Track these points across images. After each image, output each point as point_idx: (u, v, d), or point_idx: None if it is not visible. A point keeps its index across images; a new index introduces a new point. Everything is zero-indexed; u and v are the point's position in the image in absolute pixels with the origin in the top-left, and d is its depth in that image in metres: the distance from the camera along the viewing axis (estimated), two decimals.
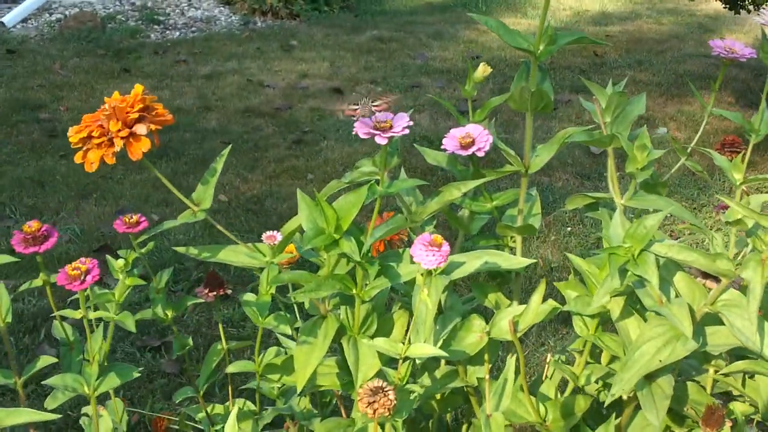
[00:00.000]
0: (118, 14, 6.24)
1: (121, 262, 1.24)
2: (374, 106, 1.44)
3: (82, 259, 1.18)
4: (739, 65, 5.39)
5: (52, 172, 3.62)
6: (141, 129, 1.08)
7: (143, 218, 1.28)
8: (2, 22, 5.91)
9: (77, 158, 1.10)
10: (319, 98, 4.72)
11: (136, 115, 1.09)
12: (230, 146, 1.29)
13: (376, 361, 1.06)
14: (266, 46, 5.71)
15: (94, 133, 1.08)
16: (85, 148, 1.10)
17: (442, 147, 1.15)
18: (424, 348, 1.01)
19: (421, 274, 1.01)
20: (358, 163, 1.13)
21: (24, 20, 6.02)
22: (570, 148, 4.01)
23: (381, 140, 1.01)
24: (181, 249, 1.21)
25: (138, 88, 1.11)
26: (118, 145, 1.07)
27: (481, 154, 1.14)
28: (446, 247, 0.97)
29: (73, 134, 1.10)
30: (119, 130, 1.07)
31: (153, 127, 1.10)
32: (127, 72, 5.06)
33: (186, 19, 6.24)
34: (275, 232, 1.17)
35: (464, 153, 1.14)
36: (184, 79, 4.98)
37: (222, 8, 6.55)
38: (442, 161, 1.27)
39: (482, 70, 1.30)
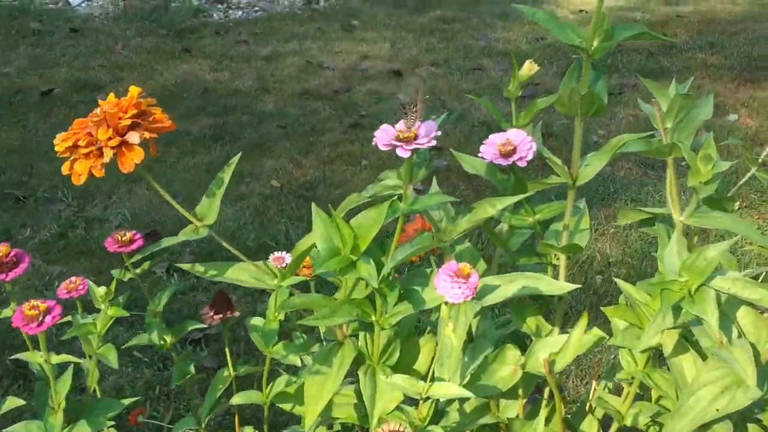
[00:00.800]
0: None
1: (102, 290, 1.14)
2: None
3: (44, 301, 1.10)
4: None
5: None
6: (133, 137, 1.00)
7: (138, 235, 1.18)
8: (68, 1, 5.94)
9: (64, 169, 1.01)
10: (378, 81, 4.64)
11: (129, 122, 1.00)
12: (239, 155, 1.20)
13: (395, 395, 0.98)
14: (327, 26, 5.64)
15: (80, 142, 0.99)
16: (72, 158, 1.01)
17: (479, 154, 1.06)
18: (447, 387, 0.92)
19: (446, 304, 0.92)
20: (381, 175, 1.05)
21: None
22: (633, 133, 3.87)
23: (403, 153, 0.91)
24: (186, 266, 1.14)
25: (133, 90, 1.02)
26: (108, 155, 0.98)
27: (522, 164, 1.03)
28: (475, 278, 0.87)
29: (59, 142, 1.01)
30: (109, 139, 0.98)
31: (148, 135, 1.01)
32: (188, 52, 5.04)
33: None
34: (284, 253, 1.09)
35: (504, 163, 1.04)
36: (243, 60, 4.94)
37: None
38: (480, 169, 1.17)
39: (528, 68, 1.20)
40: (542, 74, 4.72)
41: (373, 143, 0.94)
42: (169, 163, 3.54)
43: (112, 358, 1.15)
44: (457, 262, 0.88)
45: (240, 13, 5.96)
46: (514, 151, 1.04)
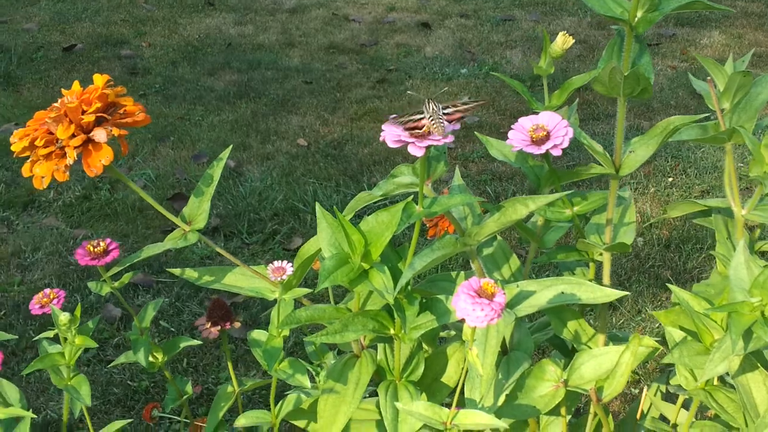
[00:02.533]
0: None
1: (65, 317, 1.03)
2: (445, 113, 0.87)
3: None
4: None
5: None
6: (100, 135, 0.87)
7: (113, 245, 1.07)
8: None
9: (24, 171, 0.89)
10: (406, 33, 4.51)
11: (93, 117, 0.88)
12: (230, 147, 1.09)
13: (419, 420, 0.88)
14: None
15: (38, 142, 0.87)
16: (31, 160, 0.89)
17: (508, 141, 0.94)
18: (476, 416, 0.81)
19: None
20: (394, 171, 0.93)
21: None
22: (673, 87, 3.74)
23: (416, 151, 0.80)
24: (176, 271, 1.05)
25: (98, 80, 0.90)
26: (71, 156, 0.87)
27: (557, 152, 0.91)
28: (501, 298, 0.76)
29: (16, 140, 0.89)
30: (72, 137, 0.86)
31: (117, 132, 0.89)
32: (211, 5, 4.93)
33: None
34: (284, 262, 0.98)
35: (536, 151, 0.91)
36: (268, 12, 4.83)
37: None
38: (509, 156, 1.06)
39: (562, 42, 1.08)
40: (576, 24, 4.58)
41: (381, 139, 0.82)
42: (193, 121, 3.46)
43: (85, 393, 1.03)
44: (485, 266, 0.78)
45: None
46: (547, 137, 0.91)
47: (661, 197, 2.87)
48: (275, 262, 0.98)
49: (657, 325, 2.27)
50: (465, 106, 0.85)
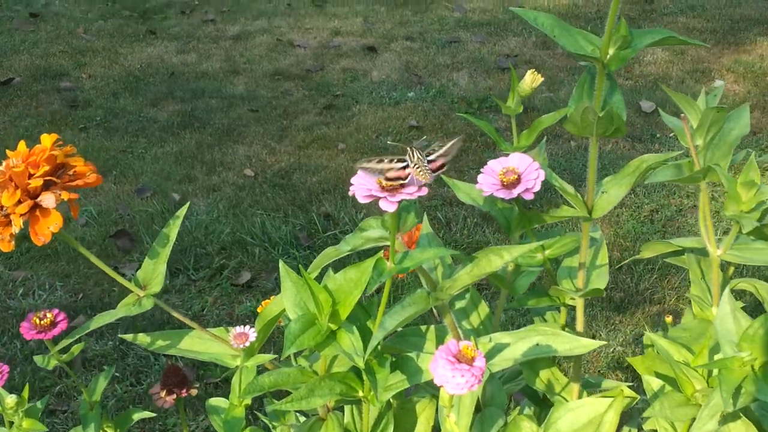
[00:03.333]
0: None
1: (12, 400, 0.96)
2: (428, 161, 0.80)
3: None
4: None
5: (71, 146, 3.44)
6: (48, 200, 0.82)
7: (60, 315, 0.99)
8: None
9: None
10: (352, 57, 4.47)
11: (40, 182, 0.81)
12: (188, 204, 1.03)
13: None
14: (297, 2, 5.46)
15: None
16: None
17: (477, 186, 0.89)
18: None
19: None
20: (362, 224, 0.87)
21: None
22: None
23: (388, 206, 0.74)
24: (128, 337, 0.98)
25: (46, 140, 0.83)
26: (17, 224, 0.81)
27: (529, 196, 0.86)
28: (481, 362, 0.71)
29: None
30: (17, 203, 0.80)
31: (67, 195, 0.82)
32: (153, 34, 4.85)
33: None
34: (247, 327, 0.93)
35: (507, 196, 0.86)
36: (211, 40, 4.76)
37: None
38: (477, 199, 1.01)
39: (531, 80, 1.04)
40: (521, 45, 4.58)
41: (350, 194, 0.76)
42: (136, 154, 3.37)
43: None
44: (458, 319, 0.72)
45: None
46: (518, 180, 0.87)
47: (611, 218, 2.85)
48: (237, 328, 0.92)
49: (611, 350, 2.24)
50: (445, 149, 0.80)
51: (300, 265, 0.85)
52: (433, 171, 0.78)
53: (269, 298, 1.06)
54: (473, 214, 2.86)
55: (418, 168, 0.76)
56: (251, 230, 2.78)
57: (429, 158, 0.79)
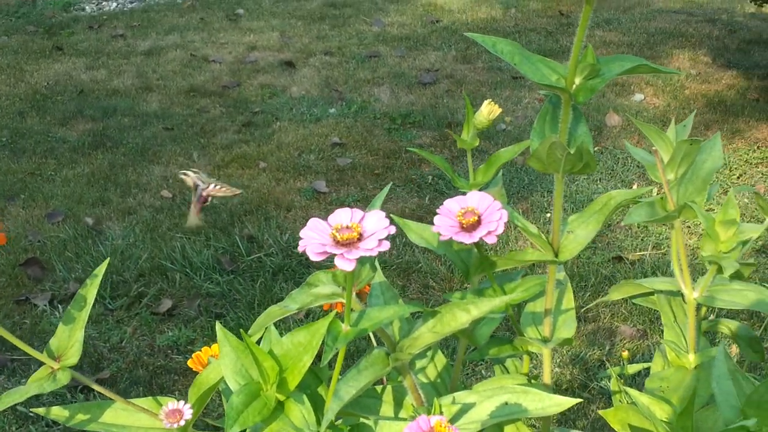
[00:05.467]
0: None
1: None
2: (215, 188, 1.13)
3: None
4: (711, 21, 5.12)
5: None
6: None
7: None
8: None
9: None
10: (270, 73, 4.36)
11: None
12: (107, 261, 0.91)
13: None
14: (210, 16, 5.32)
15: None
16: None
17: (434, 228, 0.79)
18: None
19: None
20: (311, 278, 0.77)
21: None
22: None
23: (345, 264, 0.65)
24: (40, 411, 0.87)
25: None
26: None
27: (492, 240, 0.77)
28: None
29: None
30: None
31: None
32: (60, 50, 4.65)
33: None
34: (180, 402, 0.81)
35: (468, 240, 0.77)
36: (121, 56, 4.59)
37: None
38: (432, 240, 0.92)
39: (488, 112, 0.96)
40: (441, 59, 4.54)
41: (299, 249, 0.66)
42: (45, 176, 3.20)
43: None
44: (418, 379, 0.63)
45: (114, 5, 5.57)
46: (478, 222, 0.78)
47: None
48: (169, 404, 0.80)
49: (556, 380, 2.18)
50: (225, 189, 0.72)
51: (241, 329, 0.75)
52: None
53: (200, 350, 0.97)
54: (401, 233, 2.78)
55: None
56: (171, 255, 2.64)
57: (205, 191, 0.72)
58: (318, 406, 0.72)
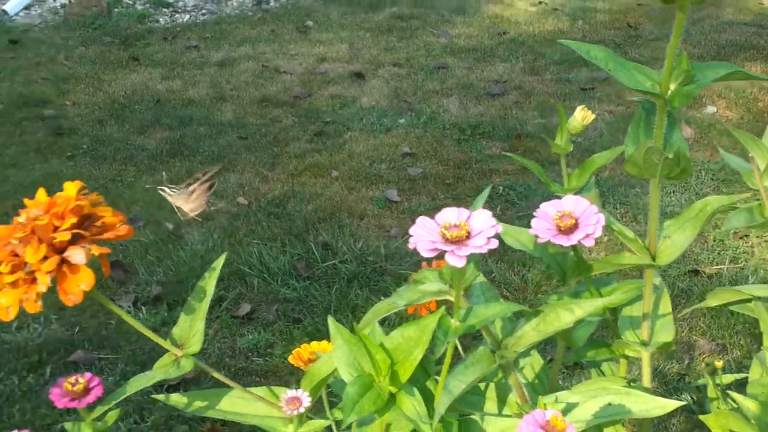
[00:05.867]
0: None
1: None
2: (192, 185, 1.25)
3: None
4: None
5: (58, 175, 3.36)
6: (77, 256, 0.73)
7: (95, 380, 0.90)
8: (4, 10, 5.64)
9: None
10: (340, 84, 4.43)
11: (68, 235, 0.73)
12: (224, 255, 0.96)
13: None
14: (281, 28, 5.42)
15: (3, 268, 0.72)
16: None
17: (531, 231, 0.82)
18: None
19: None
20: (417, 276, 0.80)
21: (27, 7, 5.75)
22: (612, 132, 3.72)
23: (456, 261, 0.67)
24: (160, 397, 0.91)
25: (70, 189, 0.75)
26: (44, 283, 0.71)
27: (590, 243, 0.79)
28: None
29: None
30: (43, 260, 0.71)
31: (97, 251, 0.74)
32: (136, 61, 4.78)
33: (196, 1, 5.94)
34: (298, 390, 0.85)
35: (565, 243, 0.79)
36: (196, 66, 4.70)
37: None
38: (527, 243, 0.95)
39: (581, 117, 0.99)
40: (509, 70, 4.56)
41: (410, 246, 0.69)
42: (126, 183, 3.30)
43: None
44: (521, 377, 0.66)
45: (187, 17, 5.70)
46: (575, 226, 0.80)
47: (614, 247, 2.81)
48: (288, 392, 0.85)
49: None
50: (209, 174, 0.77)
51: (354, 323, 0.79)
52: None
53: (299, 346, 1.01)
54: None
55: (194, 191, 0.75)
56: (248, 260, 2.71)
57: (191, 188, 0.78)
58: (426, 399, 0.75)
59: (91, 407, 0.90)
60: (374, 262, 2.69)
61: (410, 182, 3.29)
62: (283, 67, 4.68)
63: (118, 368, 2.22)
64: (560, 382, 2.09)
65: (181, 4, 5.88)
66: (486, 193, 0.91)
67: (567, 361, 0.97)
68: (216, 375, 0.89)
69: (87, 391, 0.89)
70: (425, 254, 0.69)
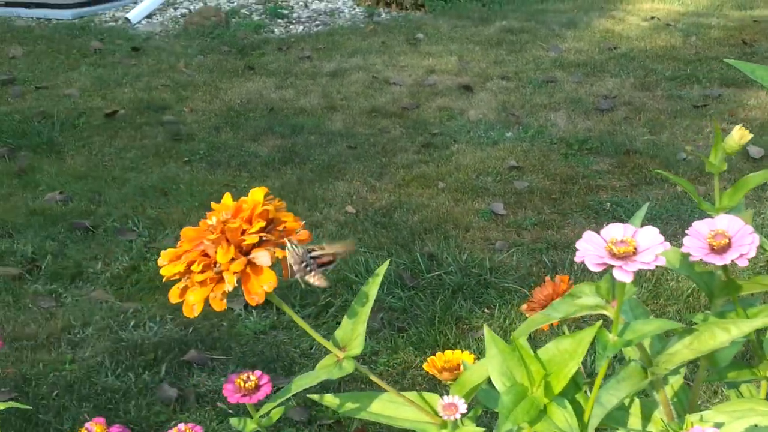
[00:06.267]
0: (241, 8, 6.14)
1: None
2: (312, 256, 0.88)
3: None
4: None
5: (176, 179, 3.51)
6: (263, 258, 0.77)
7: (264, 378, 0.97)
8: (128, 19, 5.89)
9: (172, 297, 0.81)
10: (448, 96, 4.48)
11: (256, 238, 0.78)
12: (387, 261, 1.00)
13: None
14: (391, 40, 5.50)
15: (194, 267, 0.78)
16: (182, 286, 0.80)
17: (683, 249, 0.84)
18: None
19: None
20: (574, 290, 0.84)
21: (149, 16, 5.99)
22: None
23: (623, 276, 0.70)
24: (314, 396, 0.96)
25: (258, 194, 0.81)
26: (231, 282, 0.77)
27: (743, 263, 0.80)
28: None
29: (166, 263, 0.80)
30: (232, 261, 0.77)
31: (281, 254, 0.79)
32: (251, 70, 4.93)
33: (310, 12, 6.09)
34: (453, 397, 0.89)
35: (718, 262, 0.80)
36: (308, 76, 4.82)
37: (345, 0, 6.37)
38: (674, 262, 0.97)
39: (738, 137, 1.00)
40: (619, 86, 4.53)
41: (577, 260, 0.73)
42: (239, 188, 3.42)
43: None
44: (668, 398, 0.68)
45: (301, 28, 5.84)
46: (728, 245, 0.81)
47: (753, 267, 2.78)
48: (444, 397, 0.88)
49: None
50: (334, 249, 0.83)
51: (512, 335, 0.82)
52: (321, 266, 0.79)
53: (434, 354, 1.04)
54: None
55: (304, 265, 0.77)
56: (355, 268, 2.78)
57: (314, 254, 0.81)
58: (577, 412, 0.77)
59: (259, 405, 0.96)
60: (479, 275, 2.72)
61: (516, 196, 3.31)
62: (393, 78, 4.75)
63: (228, 369, 2.31)
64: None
65: (295, 15, 6.04)
66: (643, 210, 0.93)
67: (709, 380, 0.98)
68: (374, 378, 0.92)
69: (257, 387, 0.95)
70: (593, 268, 0.72)
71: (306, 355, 2.39)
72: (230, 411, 2.14)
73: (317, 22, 5.94)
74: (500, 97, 4.44)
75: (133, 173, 3.58)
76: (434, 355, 1.01)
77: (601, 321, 0.81)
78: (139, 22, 5.90)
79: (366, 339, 2.43)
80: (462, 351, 0.99)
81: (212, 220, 0.80)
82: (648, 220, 0.78)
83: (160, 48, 5.37)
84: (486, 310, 2.56)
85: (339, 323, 2.50)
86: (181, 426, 0.94)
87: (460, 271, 2.76)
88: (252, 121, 4.15)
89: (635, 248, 0.72)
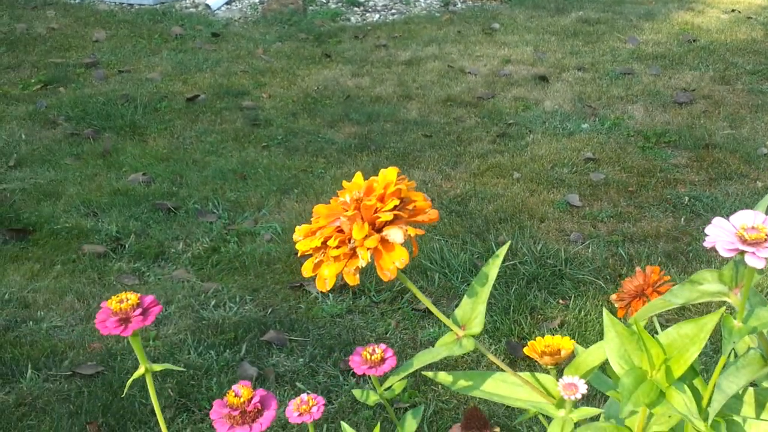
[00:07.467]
0: None
1: None
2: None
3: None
4: None
5: (254, 164, 3.58)
6: (396, 235, 0.80)
7: (389, 352, 1.01)
8: (208, 5, 5.99)
9: (305, 271, 0.84)
10: (523, 86, 4.48)
11: (390, 216, 0.81)
12: (508, 243, 1.02)
13: None
14: (467, 30, 5.51)
15: (331, 242, 0.82)
16: (316, 260, 0.84)
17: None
18: None
19: None
20: (695, 276, 0.83)
21: (228, 2, 6.08)
22: None
23: (756, 262, 0.71)
24: (429, 374, 0.99)
25: (391, 173, 0.84)
26: (365, 258, 0.80)
27: None
28: None
29: (302, 238, 0.84)
30: (366, 237, 0.80)
31: (413, 231, 0.82)
32: (328, 57, 4.99)
33: (386, 1, 6.12)
34: (573, 377, 0.91)
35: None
36: (384, 65, 4.86)
37: None
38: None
39: None
40: (698, 79, 4.48)
41: (706, 245, 0.74)
42: (316, 174, 3.48)
43: None
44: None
45: (377, 16, 5.88)
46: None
47: None
48: (565, 377, 0.89)
49: None
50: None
51: (634, 318, 0.83)
52: None
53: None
54: (656, 252, 2.81)
55: None
56: (430, 255, 2.81)
57: None
58: (696, 397, 0.78)
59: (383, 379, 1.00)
60: (553, 265, 2.74)
61: (592, 188, 3.30)
62: (468, 68, 4.77)
63: (307, 351, 2.37)
64: None
65: (371, 3, 6.08)
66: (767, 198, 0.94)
67: None
68: (492, 358, 0.94)
69: (383, 360, 1.00)
70: (724, 254, 0.73)
71: (382, 339, 2.43)
72: (308, 391, 2.20)
73: (393, 11, 5.97)
74: (576, 88, 4.42)
75: (213, 156, 3.66)
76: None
77: (724, 307, 0.81)
78: (218, 9, 6.00)
79: (441, 325, 2.47)
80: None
81: (345, 197, 0.83)
82: (728, 216, 0.79)
83: (238, 34, 5.46)
84: (561, 301, 2.57)
85: (415, 309, 2.55)
86: (304, 396, 0.98)
87: (535, 261, 2.77)
88: (328, 108, 4.21)
89: (767, 235, 0.73)
